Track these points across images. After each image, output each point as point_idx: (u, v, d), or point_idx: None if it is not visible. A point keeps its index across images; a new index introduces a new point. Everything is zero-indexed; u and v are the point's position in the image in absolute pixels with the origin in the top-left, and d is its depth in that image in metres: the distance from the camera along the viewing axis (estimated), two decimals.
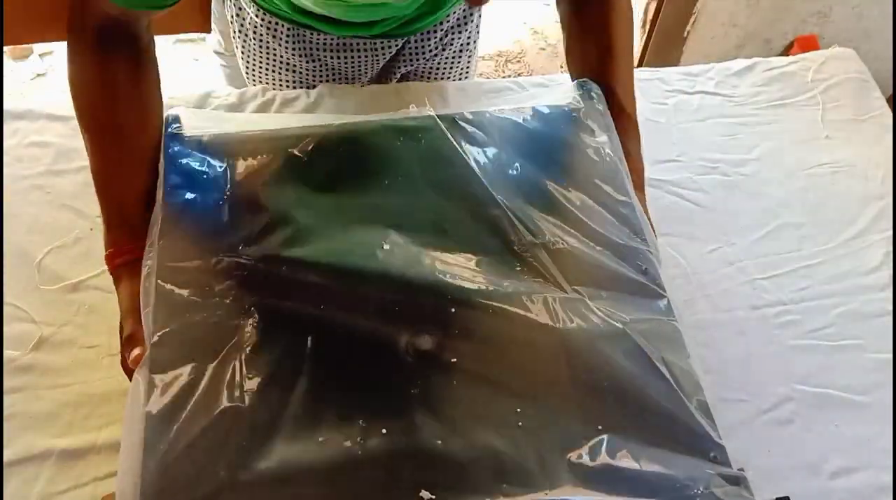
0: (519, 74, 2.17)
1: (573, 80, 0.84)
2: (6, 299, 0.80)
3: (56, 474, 0.70)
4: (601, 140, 0.77)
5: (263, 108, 0.99)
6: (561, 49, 1.83)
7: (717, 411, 0.62)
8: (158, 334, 0.62)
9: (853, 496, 0.73)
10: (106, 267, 0.71)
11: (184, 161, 0.73)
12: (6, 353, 0.76)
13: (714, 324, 0.84)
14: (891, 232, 0.93)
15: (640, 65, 1.49)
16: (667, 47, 1.49)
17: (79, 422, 0.73)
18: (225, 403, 0.59)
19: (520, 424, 0.59)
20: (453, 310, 0.64)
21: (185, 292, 0.64)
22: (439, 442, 0.58)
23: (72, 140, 0.94)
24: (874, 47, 1.17)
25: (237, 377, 0.60)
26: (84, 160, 0.88)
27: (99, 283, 0.82)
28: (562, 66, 1.88)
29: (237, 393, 0.59)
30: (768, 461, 0.74)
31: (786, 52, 1.67)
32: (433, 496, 0.55)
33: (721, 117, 1.05)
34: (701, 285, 0.87)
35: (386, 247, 0.68)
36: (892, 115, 1.06)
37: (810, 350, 0.83)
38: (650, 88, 1.07)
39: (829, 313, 0.86)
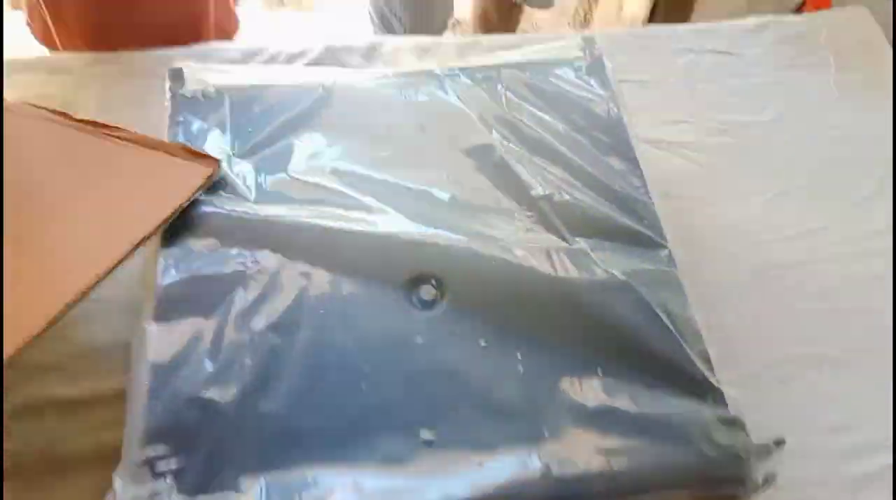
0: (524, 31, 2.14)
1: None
2: None
3: (58, 423, 0.70)
4: (605, 94, 0.77)
5: (268, 62, 0.98)
6: (567, 5, 1.81)
7: (717, 369, 0.62)
8: (165, 284, 0.62)
9: (852, 449, 0.74)
10: None
11: (187, 113, 0.73)
12: None
13: (717, 286, 0.84)
14: None
15: (649, 22, 1.46)
16: (677, 4, 1.47)
17: (82, 372, 0.73)
18: (229, 352, 0.59)
19: (520, 369, 0.60)
20: (456, 259, 0.64)
21: (192, 242, 0.65)
22: (440, 387, 0.59)
23: (75, 93, 0.94)
24: (887, 6, 1.15)
25: (240, 327, 0.61)
26: (88, 114, 0.88)
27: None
28: (569, 24, 1.85)
29: (241, 343, 0.60)
30: (768, 417, 0.75)
31: (798, 9, 1.64)
32: (432, 438, 0.56)
33: (731, 77, 1.04)
34: (704, 248, 0.87)
35: (389, 198, 0.68)
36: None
37: (811, 313, 0.83)
38: (659, 46, 1.06)
39: (833, 277, 0.86)
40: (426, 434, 0.57)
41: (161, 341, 0.60)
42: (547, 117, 0.75)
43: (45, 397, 0.71)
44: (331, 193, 0.69)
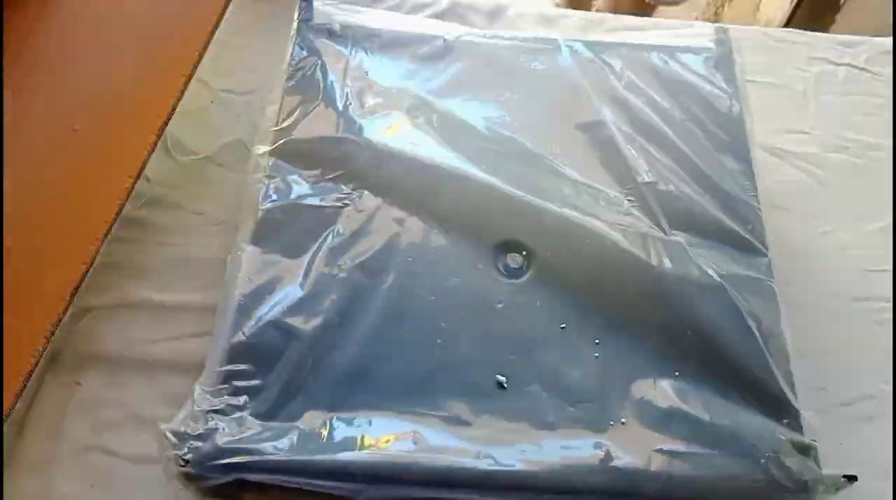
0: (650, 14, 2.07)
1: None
2: None
3: (149, 324, 0.74)
4: (729, 90, 0.74)
5: (394, 9, 0.98)
6: (698, 2, 1.74)
7: (796, 392, 0.60)
8: (264, 207, 0.64)
9: None
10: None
11: (310, 44, 0.74)
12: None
13: (811, 307, 0.80)
14: None
15: (787, 24, 1.39)
16: (820, 10, 1.39)
17: (177, 281, 0.76)
18: (317, 284, 0.61)
19: (596, 355, 0.60)
20: (549, 231, 0.64)
21: (297, 169, 0.67)
22: (513, 357, 0.59)
23: None
24: None
25: (330, 262, 0.62)
26: (216, 33, 0.91)
27: (215, 156, 0.85)
28: (696, 17, 1.78)
29: (330, 276, 0.61)
30: (838, 454, 0.72)
31: None
32: (497, 405, 0.57)
33: (864, 95, 0.98)
34: (806, 266, 0.83)
35: (493, 160, 0.68)
36: None
37: None
38: (794, 51, 1.01)
39: None
40: (492, 401, 0.57)
41: (255, 262, 0.62)
42: (664, 103, 0.73)
43: (138, 299, 0.75)
44: (438, 134, 0.69)
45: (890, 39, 1.04)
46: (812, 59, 1.01)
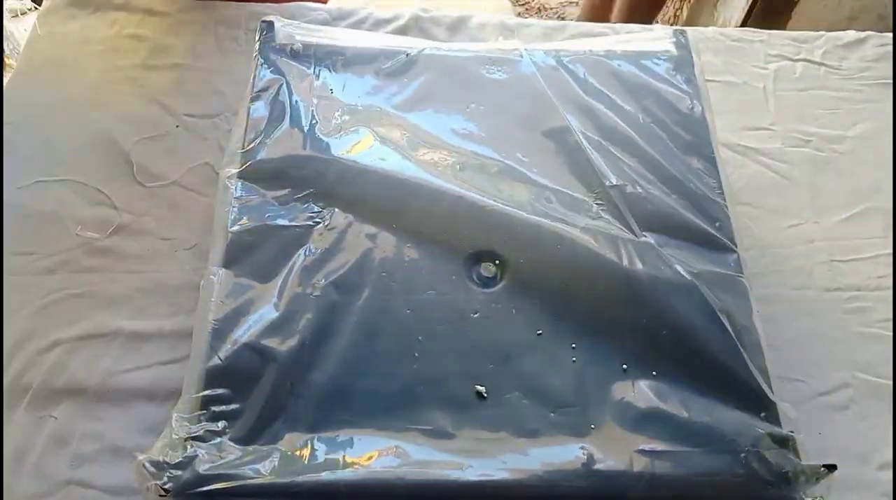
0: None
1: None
2: (90, 183, 0.83)
3: (122, 353, 0.73)
4: (690, 91, 0.76)
5: (355, 26, 0.98)
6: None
7: (773, 386, 0.61)
8: (234, 230, 0.64)
9: None
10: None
11: (273, 64, 0.74)
12: (87, 233, 0.80)
13: (782, 301, 0.82)
14: None
15: (743, 24, 1.42)
16: (775, 9, 1.42)
17: (149, 308, 0.76)
18: (291, 304, 0.61)
19: (574, 360, 0.60)
20: (521, 239, 0.64)
21: (265, 190, 0.66)
22: (491, 366, 0.59)
23: (167, 37, 0.96)
24: None
25: (303, 281, 0.62)
26: (178, 58, 0.91)
27: (182, 181, 0.85)
28: (657, 21, 1.81)
29: (304, 296, 0.61)
30: (818, 443, 0.73)
31: None
32: (478, 415, 0.57)
33: (822, 89, 1.00)
34: (775, 260, 0.85)
35: (461, 171, 0.68)
36: None
37: (877, 339, 0.80)
38: (752, 49, 1.03)
39: None
40: (473, 412, 0.57)
41: (227, 285, 0.61)
42: (628, 107, 0.74)
43: (109, 329, 0.74)
44: (405, 148, 0.69)
45: (846, 33, 1.06)
46: (769, 57, 1.03)
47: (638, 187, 0.68)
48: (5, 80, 0.94)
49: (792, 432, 0.57)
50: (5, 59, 1.24)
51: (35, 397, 0.70)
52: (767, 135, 0.95)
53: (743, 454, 0.55)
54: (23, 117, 0.88)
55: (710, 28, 1.07)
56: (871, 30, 1.08)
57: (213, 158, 0.85)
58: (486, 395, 0.58)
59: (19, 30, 1.36)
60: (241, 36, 0.97)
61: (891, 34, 1.08)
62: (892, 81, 1.01)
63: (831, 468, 0.55)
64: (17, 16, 1.43)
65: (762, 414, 0.58)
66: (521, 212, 0.65)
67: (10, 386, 0.70)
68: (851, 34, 1.07)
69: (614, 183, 0.68)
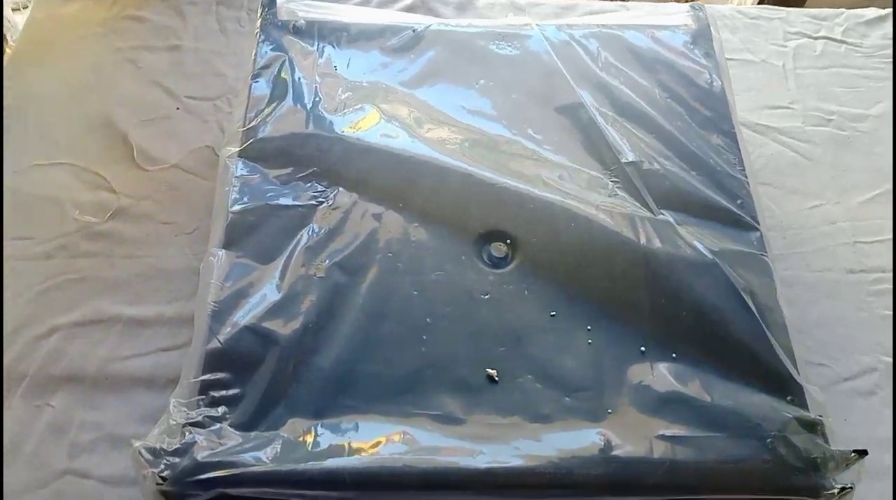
0: None
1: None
2: (88, 166, 0.81)
3: (121, 340, 0.71)
4: (709, 65, 0.73)
5: (362, 4, 0.96)
6: None
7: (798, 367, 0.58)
8: (234, 210, 0.61)
9: None
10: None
11: (276, 42, 0.72)
12: (85, 218, 0.77)
13: (804, 283, 0.79)
14: None
15: (761, 2, 1.38)
16: None
17: (149, 294, 0.74)
18: (294, 285, 0.58)
19: (589, 342, 0.57)
20: (533, 218, 0.62)
21: (267, 169, 0.64)
22: (502, 349, 0.57)
23: (167, 18, 0.94)
24: None
25: (307, 262, 0.59)
26: (177, 39, 0.88)
27: (183, 163, 0.82)
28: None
29: (307, 277, 0.59)
30: (843, 430, 0.70)
31: None
32: (490, 400, 0.54)
33: (843, 67, 0.97)
34: (796, 242, 0.82)
35: (471, 148, 0.66)
36: None
37: None
38: (771, 27, 1.00)
39: None
40: (484, 396, 0.54)
41: (227, 267, 0.59)
42: (644, 82, 0.71)
43: (108, 315, 0.72)
44: (412, 125, 0.67)
45: (867, 10, 1.03)
46: (789, 34, 1.00)
47: (655, 164, 0.65)
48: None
49: (820, 416, 0.54)
50: (6, 49, 1.22)
51: (32, 385, 0.68)
52: (788, 114, 0.92)
53: (769, 440, 0.53)
54: (20, 101, 0.87)
55: (727, 6, 1.04)
56: (893, 7, 1.05)
57: (215, 141, 0.83)
58: (497, 379, 0.55)
59: (23, 21, 1.35)
60: (244, 16, 0.95)
61: None
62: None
63: (862, 453, 0.52)
64: (18, 9, 1.40)
65: (788, 398, 0.55)
66: (534, 190, 0.63)
67: (7, 374, 0.68)
68: (872, 11, 1.03)
69: (630, 159, 0.65)
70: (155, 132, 0.85)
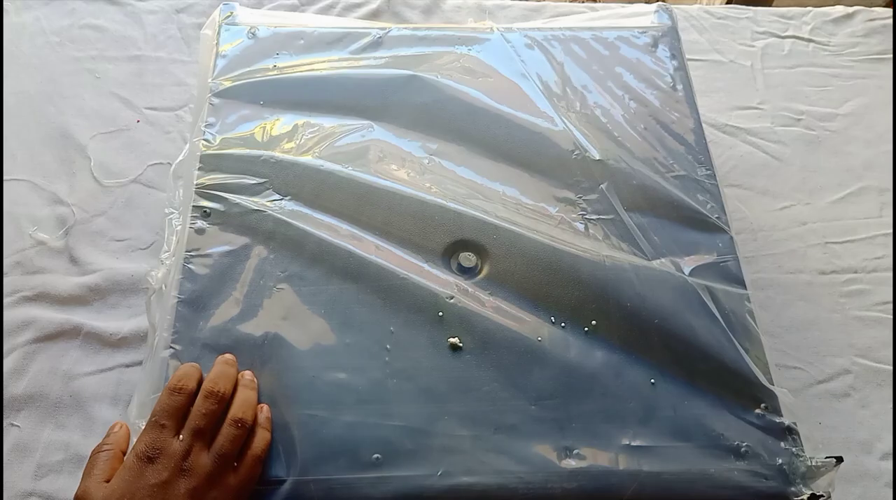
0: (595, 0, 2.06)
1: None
2: (42, 182, 0.79)
3: (81, 356, 0.69)
4: (675, 66, 0.72)
5: (324, 12, 0.94)
6: None
7: (770, 373, 0.57)
8: (195, 227, 0.60)
9: None
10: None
11: (233, 51, 0.70)
12: (39, 235, 0.75)
13: (776, 285, 0.78)
14: None
15: (729, 1, 1.38)
16: None
17: (106, 309, 0.71)
18: (255, 298, 0.57)
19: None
20: (498, 226, 0.60)
21: (226, 182, 0.62)
22: (465, 352, 0.55)
23: (127, 27, 0.92)
24: None
25: (266, 275, 0.58)
26: (137, 50, 0.86)
27: (142, 178, 0.80)
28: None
29: (264, 289, 0.57)
30: (819, 433, 0.69)
31: (890, 3, 1.54)
32: (453, 413, 0.52)
33: (812, 66, 0.97)
34: (767, 243, 0.81)
35: (432, 157, 0.64)
36: None
37: (876, 323, 0.76)
38: (738, 27, 0.99)
39: None
40: (448, 407, 0.53)
41: (188, 281, 0.57)
42: (610, 85, 0.70)
43: (66, 332, 0.70)
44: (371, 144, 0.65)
45: (834, 8, 1.03)
46: (756, 34, 0.99)
47: (622, 164, 0.64)
48: None
49: (794, 423, 0.53)
50: None
51: None
52: (756, 114, 0.92)
53: (743, 448, 0.52)
54: None
55: (695, 6, 1.03)
56: (859, 4, 1.05)
57: (176, 153, 0.81)
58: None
59: None
60: (205, 24, 0.93)
61: (879, 8, 1.04)
62: (891, 56, 0.98)
63: (838, 460, 0.51)
64: None
65: (762, 405, 0.54)
66: (496, 199, 0.62)
67: None
68: (839, 9, 1.03)
69: (597, 158, 0.64)
70: (114, 145, 0.82)
